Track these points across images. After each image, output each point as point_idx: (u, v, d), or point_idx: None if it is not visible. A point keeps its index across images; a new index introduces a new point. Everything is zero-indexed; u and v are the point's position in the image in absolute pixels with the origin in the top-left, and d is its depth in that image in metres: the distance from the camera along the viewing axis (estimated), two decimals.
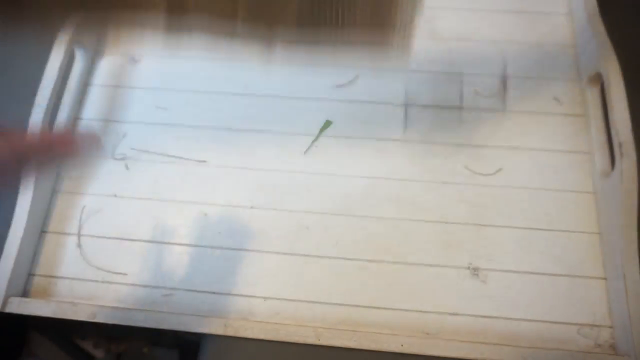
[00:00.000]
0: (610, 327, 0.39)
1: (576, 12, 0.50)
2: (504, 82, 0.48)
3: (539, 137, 0.46)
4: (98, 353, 0.41)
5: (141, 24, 0.34)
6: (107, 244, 0.42)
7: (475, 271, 0.41)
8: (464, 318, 0.40)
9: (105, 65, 0.49)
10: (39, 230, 0.43)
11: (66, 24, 0.43)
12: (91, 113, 0.48)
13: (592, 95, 0.46)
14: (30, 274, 0.42)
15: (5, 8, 0.32)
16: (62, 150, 0.29)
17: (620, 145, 0.40)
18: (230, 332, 0.39)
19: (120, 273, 0.41)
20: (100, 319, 0.38)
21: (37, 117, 0.42)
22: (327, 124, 0.45)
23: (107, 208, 0.44)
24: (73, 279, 0.41)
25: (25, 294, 0.41)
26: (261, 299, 0.40)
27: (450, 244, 0.42)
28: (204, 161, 0.45)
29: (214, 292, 0.41)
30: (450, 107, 0.47)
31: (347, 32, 0.34)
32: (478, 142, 0.46)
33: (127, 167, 0.45)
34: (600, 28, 0.45)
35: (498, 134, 0.46)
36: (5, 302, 0.40)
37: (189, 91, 0.48)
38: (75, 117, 0.47)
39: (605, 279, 0.41)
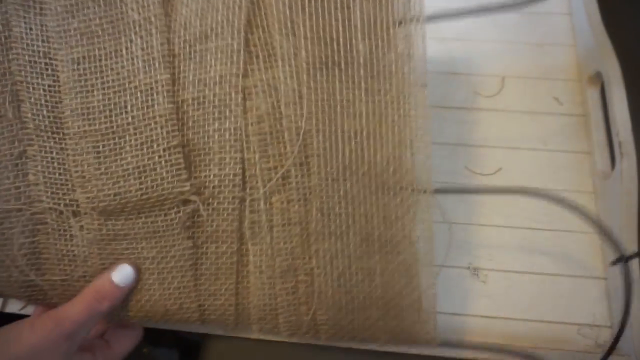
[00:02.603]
0: (611, 327, 0.39)
1: (576, 12, 0.49)
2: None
3: (539, 137, 0.45)
4: None
5: None
6: None
7: (475, 271, 0.41)
8: (464, 318, 0.40)
9: None
10: None
11: None
12: None
13: (592, 95, 0.45)
14: None
15: None
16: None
17: (620, 145, 0.39)
18: (230, 332, 0.40)
19: None
20: None
21: None
22: None
23: None
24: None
25: None
26: None
27: (450, 244, 0.42)
28: None
29: None
30: (450, 107, 0.46)
31: None
32: (478, 142, 0.45)
33: None
34: (600, 28, 0.44)
35: (498, 134, 0.45)
36: (5, 302, 0.41)
37: None
38: None
39: (605, 279, 0.41)
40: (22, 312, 0.41)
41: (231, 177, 0.34)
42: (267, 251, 0.34)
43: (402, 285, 0.33)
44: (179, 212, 0.35)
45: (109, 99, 0.35)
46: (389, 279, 0.33)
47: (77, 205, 0.37)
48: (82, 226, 0.37)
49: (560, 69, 0.48)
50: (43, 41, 0.36)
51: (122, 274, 0.34)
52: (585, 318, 0.40)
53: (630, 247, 0.37)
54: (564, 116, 0.46)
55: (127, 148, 0.35)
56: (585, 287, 0.41)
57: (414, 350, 0.37)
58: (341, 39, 0.32)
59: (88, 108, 0.35)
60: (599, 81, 0.44)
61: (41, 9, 0.36)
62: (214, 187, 0.35)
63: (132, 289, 0.35)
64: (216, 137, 0.34)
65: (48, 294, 0.38)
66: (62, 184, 0.37)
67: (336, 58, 0.32)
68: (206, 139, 0.34)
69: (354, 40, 0.32)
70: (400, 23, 0.32)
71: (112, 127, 0.35)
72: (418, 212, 0.33)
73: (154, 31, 0.34)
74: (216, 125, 0.34)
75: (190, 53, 0.34)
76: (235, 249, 0.35)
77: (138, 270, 0.35)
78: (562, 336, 0.39)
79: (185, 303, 0.36)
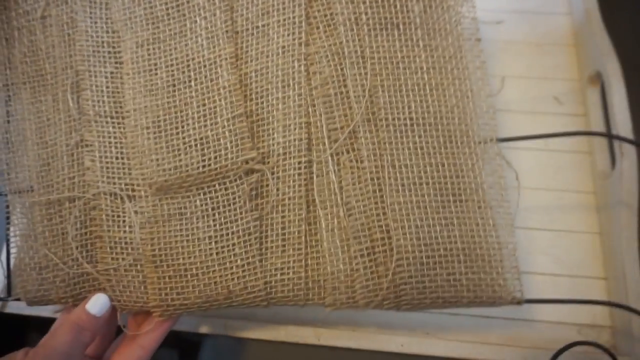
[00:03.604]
0: (611, 327, 0.39)
1: (576, 12, 0.49)
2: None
3: None
4: None
5: None
6: None
7: None
8: (464, 318, 0.39)
9: None
10: None
11: None
12: None
13: (592, 95, 0.44)
14: None
15: None
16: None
17: (620, 145, 0.39)
18: (230, 332, 0.39)
19: None
20: None
21: None
22: None
23: None
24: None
25: None
26: None
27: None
28: None
29: None
30: None
31: None
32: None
33: None
34: (600, 28, 0.44)
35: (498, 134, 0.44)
36: (5, 303, 0.41)
37: None
38: None
39: (605, 279, 0.40)
40: (22, 312, 0.40)
41: (296, 143, 0.34)
42: (339, 213, 0.33)
43: (481, 236, 0.32)
44: (242, 183, 0.34)
45: (172, 75, 0.36)
46: (467, 229, 0.32)
47: (133, 189, 0.36)
48: (136, 211, 0.35)
49: (560, 68, 0.47)
50: (107, 32, 0.38)
51: (97, 304, 0.34)
52: (585, 318, 0.39)
53: (630, 248, 0.38)
54: (564, 116, 0.45)
55: (189, 121, 0.35)
56: (585, 287, 0.40)
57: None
58: (397, 2, 0.34)
59: (151, 85, 0.36)
60: (599, 81, 0.44)
61: (107, 3, 0.38)
62: (278, 155, 0.34)
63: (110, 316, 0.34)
64: (280, 106, 0.35)
65: (100, 287, 0.35)
66: (118, 168, 0.36)
67: (394, 20, 0.34)
68: (269, 108, 0.35)
69: (409, 3, 0.34)
70: None
71: (175, 101, 0.35)
72: (486, 161, 0.33)
73: (217, 12, 0.36)
74: (279, 94, 0.35)
75: (252, 30, 0.36)
76: (303, 216, 0.34)
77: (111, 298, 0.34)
78: (562, 336, 0.38)
79: (250, 282, 0.34)
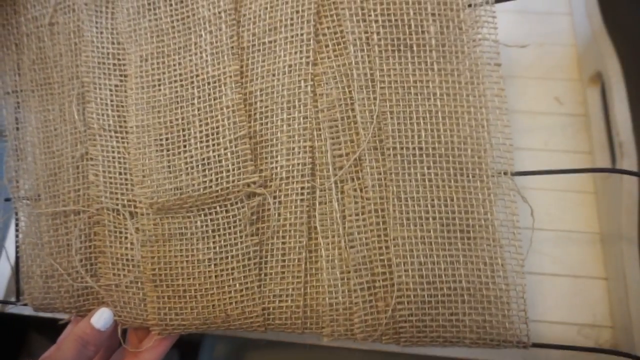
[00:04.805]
0: (611, 327, 0.38)
1: (576, 12, 0.48)
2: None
3: (540, 137, 0.44)
4: None
5: None
6: None
7: None
8: None
9: None
10: None
11: None
12: None
13: (593, 95, 0.44)
14: None
15: None
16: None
17: (620, 145, 0.39)
18: (230, 332, 0.39)
19: None
20: None
21: None
22: None
23: None
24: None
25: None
26: None
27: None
28: None
29: None
30: None
31: None
32: None
33: None
34: (601, 28, 0.43)
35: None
36: (5, 304, 0.42)
37: None
38: None
39: (606, 279, 0.40)
40: (22, 312, 0.41)
41: (300, 167, 0.33)
42: (340, 244, 0.32)
43: (488, 276, 0.31)
44: (243, 207, 0.33)
45: (176, 92, 0.35)
46: (473, 268, 0.31)
47: (135, 206, 0.35)
48: (137, 228, 0.35)
49: (560, 69, 0.46)
50: (112, 43, 0.37)
51: (102, 319, 0.34)
52: (585, 318, 0.39)
53: (630, 248, 0.36)
54: (564, 116, 0.45)
55: (192, 141, 0.34)
56: (585, 287, 0.40)
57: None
58: (412, 22, 0.32)
59: (154, 102, 0.35)
60: (599, 81, 0.43)
61: (112, 13, 0.37)
62: (281, 179, 0.33)
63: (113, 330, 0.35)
64: (284, 127, 0.34)
65: (102, 301, 0.35)
66: (121, 184, 0.36)
67: (408, 41, 0.32)
68: (274, 129, 0.34)
69: (424, 23, 0.32)
70: (469, 5, 0.32)
71: (178, 119, 0.34)
72: (499, 196, 0.31)
73: (223, 26, 0.34)
74: (284, 115, 0.34)
75: (258, 46, 0.34)
76: (303, 243, 0.33)
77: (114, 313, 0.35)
78: (563, 336, 0.38)
79: (248, 307, 0.33)
